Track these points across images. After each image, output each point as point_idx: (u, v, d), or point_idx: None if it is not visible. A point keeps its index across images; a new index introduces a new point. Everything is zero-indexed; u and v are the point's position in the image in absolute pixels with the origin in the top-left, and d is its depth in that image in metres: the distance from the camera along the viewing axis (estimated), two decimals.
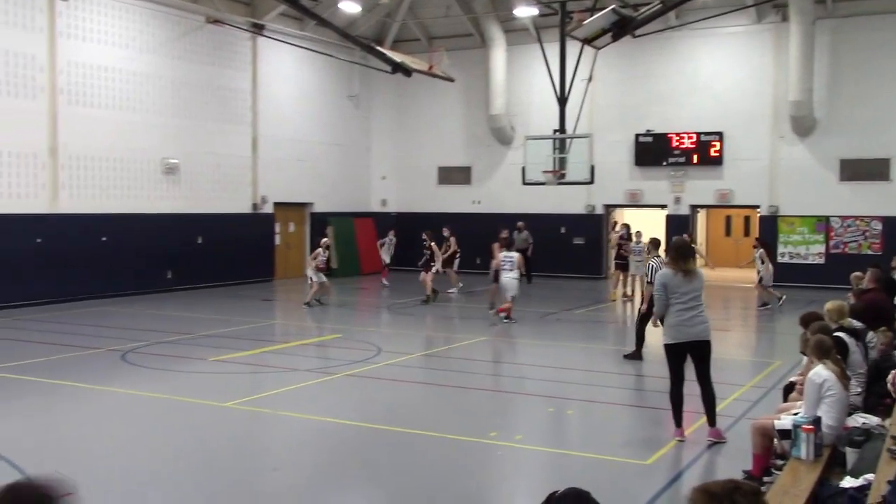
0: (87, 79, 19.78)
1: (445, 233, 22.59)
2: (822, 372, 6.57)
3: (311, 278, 19.53)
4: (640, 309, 13.61)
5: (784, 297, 19.54)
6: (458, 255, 22.39)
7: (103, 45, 20.16)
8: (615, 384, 11.66)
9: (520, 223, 24.93)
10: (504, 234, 20.05)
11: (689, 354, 8.30)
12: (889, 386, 6.55)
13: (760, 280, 19.62)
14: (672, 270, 8.30)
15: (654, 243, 14.71)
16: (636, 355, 12.91)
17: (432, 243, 20.34)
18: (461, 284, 22.13)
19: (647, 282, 13.26)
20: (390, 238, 24.29)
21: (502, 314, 16.89)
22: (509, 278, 16.73)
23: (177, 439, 8.69)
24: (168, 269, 21.81)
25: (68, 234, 19.27)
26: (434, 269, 20.14)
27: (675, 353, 8.30)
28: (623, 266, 21.23)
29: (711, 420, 8.36)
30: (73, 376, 11.29)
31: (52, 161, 19.10)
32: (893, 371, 6.65)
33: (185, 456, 8.11)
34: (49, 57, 18.95)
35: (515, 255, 17.01)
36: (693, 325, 8.18)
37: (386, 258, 24.35)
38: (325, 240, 20.88)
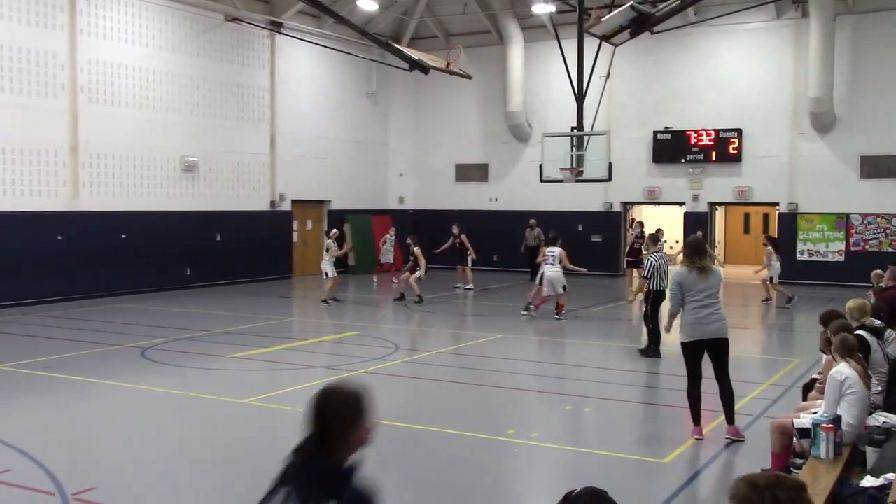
0: (107, 77, 19.92)
1: (455, 230, 22.53)
2: (844, 370, 6.53)
3: (326, 273, 19.53)
4: (644, 308, 13.61)
5: (772, 300, 19.71)
6: (470, 253, 22.28)
7: (123, 44, 20.30)
8: (633, 382, 11.63)
9: (532, 220, 24.94)
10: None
11: (707, 352, 8.28)
12: None
13: (770, 279, 19.58)
14: (686, 268, 8.30)
15: (653, 238, 14.55)
16: (649, 352, 12.91)
17: (416, 248, 19.68)
18: (465, 285, 22.13)
19: (643, 276, 13.27)
20: (390, 236, 24.06)
21: (562, 312, 17.07)
22: (553, 272, 16.76)
23: (195, 435, 8.75)
24: (187, 267, 21.94)
25: (89, 231, 19.43)
26: (418, 274, 19.41)
27: (692, 351, 8.29)
28: (635, 264, 21.21)
29: (730, 418, 8.33)
30: (93, 372, 11.39)
31: (73, 159, 19.26)
32: None
33: (202, 452, 8.16)
34: (70, 55, 19.10)
35: (557, 250, 17.00)
36: (709, 322, 8.16)
37: (388, 258, 24.02)
38: (334, 231, 20.76)
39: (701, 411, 8.35)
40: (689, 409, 8.38)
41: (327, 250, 19.71)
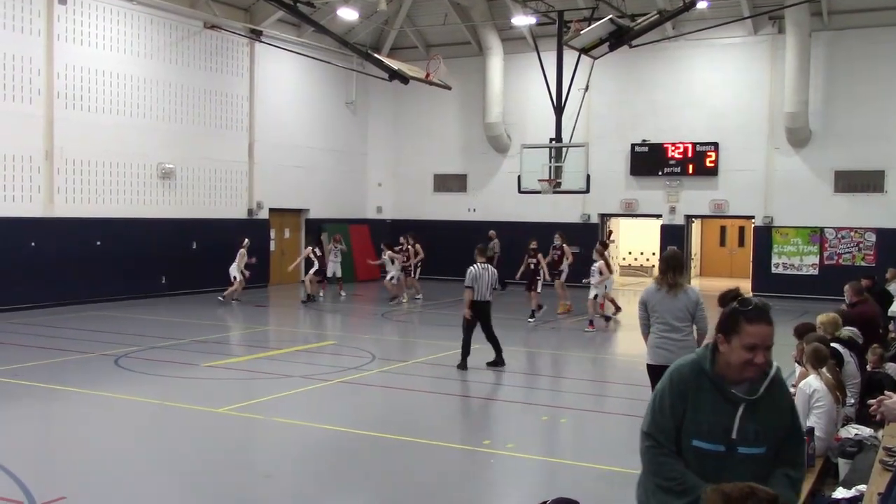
0: (84, 83, 19.77)
1: (406, 241, 22.05)
2: (812, 382, 6.56)
3: (234, 277, 21.03)
4: (464, 316, 12.78)
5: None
6: (417, 265, 22.03)
7: (101, 50, 20.17)
8: (609, 393, 11.65)
9: (491, 232, 24.96)
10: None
11: None
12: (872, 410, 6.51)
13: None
14: (656, 285, 7.94)
15: (481, 250, 13.70)
16: (463, 364, 12.50)
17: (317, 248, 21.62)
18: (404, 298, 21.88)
19: (465, 285, 12.65)
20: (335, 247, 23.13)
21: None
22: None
23: (169, 445, 8.66)
24: (162, 274, 21.77)
25: (63, 238, 19.23)
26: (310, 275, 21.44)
27: (656, 375, 8.05)
28: (556, 275, 20.29)
29: None
30: (67, 381, 11.26)
31: (48, 164, 19.08)
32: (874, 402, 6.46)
33: (176, 461, 8.08)
34: (46, 60, 18.95)
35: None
36: (672, 350, 7.60)
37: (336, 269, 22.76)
38: (245, 241, 21.46)
39: None
40: None
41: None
